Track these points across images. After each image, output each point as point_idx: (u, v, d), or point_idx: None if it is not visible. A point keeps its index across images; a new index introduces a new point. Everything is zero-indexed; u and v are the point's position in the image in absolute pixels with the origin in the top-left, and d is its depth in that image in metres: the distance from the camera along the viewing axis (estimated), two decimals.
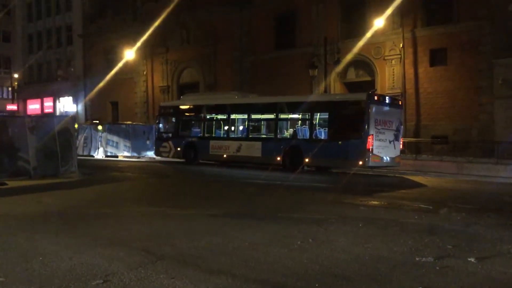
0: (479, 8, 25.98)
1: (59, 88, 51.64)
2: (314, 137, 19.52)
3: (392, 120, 18.75)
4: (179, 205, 10.40)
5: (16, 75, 53.96)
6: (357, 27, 30.59)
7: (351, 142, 18.14)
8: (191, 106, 24.73)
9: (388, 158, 18.55)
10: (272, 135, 21.18)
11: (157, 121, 26.25)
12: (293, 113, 20.90)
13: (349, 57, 30.02)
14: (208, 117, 23.50)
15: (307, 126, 20.06)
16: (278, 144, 20.44)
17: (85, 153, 29.07)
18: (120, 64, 40.70)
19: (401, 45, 28.74)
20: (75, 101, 50.40)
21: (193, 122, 24.60)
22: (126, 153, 29.51)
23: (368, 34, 28.45)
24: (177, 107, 25.46)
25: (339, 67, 30.23)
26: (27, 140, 15.24)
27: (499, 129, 24.91)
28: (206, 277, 5.08)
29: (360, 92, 21.67)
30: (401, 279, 5.17)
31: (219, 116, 23.40)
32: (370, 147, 17.59)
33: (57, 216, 8.72)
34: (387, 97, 19.54)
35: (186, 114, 25.01)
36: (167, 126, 25.54)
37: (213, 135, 23.17)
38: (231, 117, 22.74)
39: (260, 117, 22.36)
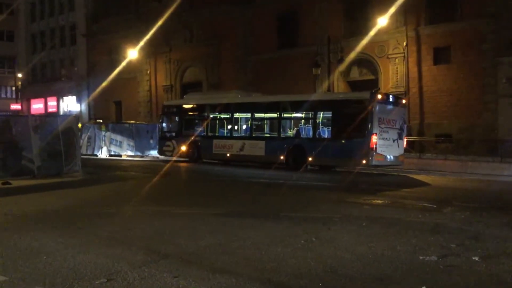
0: (483, 6, 25.92)
1: (63, 87, 51.79)
2: (317, 136, 19.50)
3: (395, 118, 18.70)
4: (183, 204, 10.40)
5: (19, 75, 54.15)
6: (360, 25, 30.55)
7: (354, 141, 18.11)
8: (195, 105, 24.74)
9: (392, 157, 18.52)
10: (275, 134, 21.16)
11: (160, 120, 26.26)
12: (296, 112, 20.87)
13: (352, 55, 29.98)
14: (211, 116, 23.50)
15: (310, 125, 20.04)
16: (281, 143, 20.42)
17: (88, 152, 29.10)
18: (123, 64, 40.75)
19: (404, 44, 28.68)
20: (79, 100, 50.53)
21: (196, 121, 24.60)
22: (129, 152, 29.55)
23: (372, 33, 28.41)
24: (181, 106, 25.46)
25: (343, 66, 30.22)
26: (31, 139, 15.27)
27: (503, 127, 24.85)
28: (209, 276, 5.08)
29: (363, 91, 21.61)
30: (404, 278, 5.15)
31: (222, 115, 23.40)
32: (374, 146, 17.55)
33: (60, 215, 8.74)
34: (390, 96, 19.50)
35: (190, 113, 25.02)
36: (170, 125, 25.55)
37: (217, 134, 23.17)
38: (234, 116, 22.73)
39: (263, 116, 22.35)
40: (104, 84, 42.83)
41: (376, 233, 7.34)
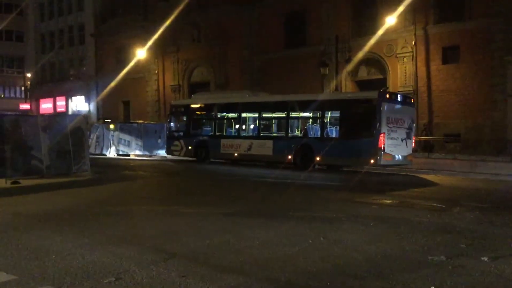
0: (492, 5, 25.74)
1: (72, 87, 52.06)
2: (325, 136, 19.46)
3: (404, 118, 18.61)
4: (190, 203, 10.42)
5: (28, 75, 54.51)
6: (368, 25, 30.44)
7: (362, 140, 18.06)
8: (202, 105, 24.78)
9: (400, 157, 18.43)
10: (283, 134, 21.14)
11: (168, 120, 26.33)
12: (304, 111, 20.84)
13: (360, 55, 29.86)
14: (219, 115, 23.53)
15: (318, 125, 20.01)
16: (289, 142, 20.40)
17: (97, 152, 29.25)
18: (131, 63, 40.87)
19: (413, 43, 28.55)
20: (87, 100, 50.78)
21: (204, 120, 24.64)
22: (137, 152, 29.64)
23: (380, 32, 28.28)
24: (188, 105, 25.51)
25: (350, 66, 30.12)
26: (40, 139, 15.36)
27: (511, 127, 24.65)
28: (217, 275, 5.08)
29: (371, 90, 21.54)
30: (413, 278, 5.13)
31: (230, 115, 23.42)
32: (382, 146, 17.49)
33: (69, 214, 8.78)
34: (399, 95, 19.42)
35: (197, 112, 25.06)
36: (178, 125, 25.60)
37: (224, 133, 23.19)
38: (242, 116, 22.75)
39: (271, 115, 22.35)
40: (113, 84, 42.97)
41: (385, 233, 7.32)
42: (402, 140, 18.36)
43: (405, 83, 29.05)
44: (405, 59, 29.16)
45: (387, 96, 18.37)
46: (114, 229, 7.40)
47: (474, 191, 13.96)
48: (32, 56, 57.20)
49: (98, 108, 49.55)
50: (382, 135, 17.50)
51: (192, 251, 6.09)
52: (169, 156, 26.29)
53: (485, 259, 5.79)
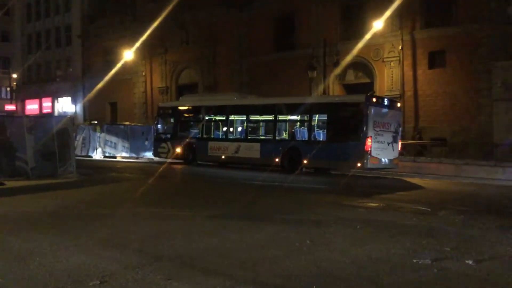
0: (478, 11, 26.02)
1: (58, 88, 51.63)
2: (312, 139, 19.52)
3: (390, 122, 18.75)
4: (177, 206, 10.38)
5: (14, 75, 53.96)
6: (356, 29, 30.61)
7: (349, 143, 18.15)
8: (190, 107, 24.73)
9: (387, 160, 18.56)
10: (270, 137, 21.17)
11: (155, 122, 26.23)
12: (292, 114, 20.89)
13: (348, 59, 30.01)
14: (206, 118, 23.49)
15: (305, 128, 20.06)
16: (276, 145, 20.43)
17: (83, 154, 29.02)
18: (119, 65, 40.65)
19: (400, 47, 28.76)
20: (74, 101, 50.39)
21: (191, 123, 24.58)
22: (124, 154, 29.48)
23: (367, 36, 28.46)
24: (176, 108, 25.44)
25: (338, 69, 30.23)
26: (25, 140, 15.21)
27: (497, 131, 24.93)
28: (203, 278, 5.06)
29: (359, 94, 21.66)
30: (399, 281, 5.16)
31: (218, 117, 23.39)
32: (369, 149, 17.60)
33: (54, 216, 8.70)
34: (385, 99, 19.56)
35: (185, 115, 25.00)
36: (165, 127, 25.51)
37: (212, 136, 23.16)
38: (230, 118, 22.74)
39: (258, 118, 22.36)
40: (100, 85, 42.70)
41: (371, 236, 7.35)
42: (388, 144, 18.49)
43: (392, 87, 29.25)
44: (392, 63, 29.36)
45: (374, 100, 18.48)
46: (100, 232, 7.34)
47: (460, 195, 14.10)
48: (18, 56, 56.65)
49: (84, 110, 49.20)
50: (368, 138, 17.60)
51: (178, 254, 6.06)
52: (156, 158, 26.18)
53: (470, 262, 5.84)
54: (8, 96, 56.93)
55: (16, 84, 54.19)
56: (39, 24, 54.09)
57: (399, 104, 20.51)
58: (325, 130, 19.33)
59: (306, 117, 20.12)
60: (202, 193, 13.07)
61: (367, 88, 26.64)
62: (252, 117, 22.24)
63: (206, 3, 37.25)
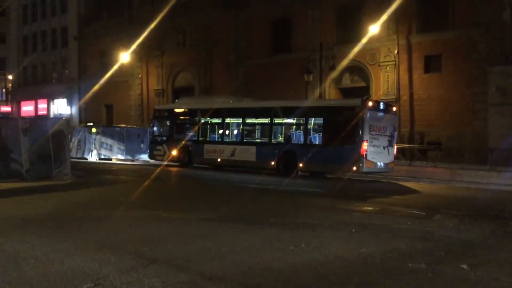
0: (474, 16, 26.16)
1: (54, 90, 51.51)
2: (308, 142, 19.54)
3: (386, 126, 18.80)
4: (173, 208, 10.36)
5: (10, 77, 53.80)
6: (352, 33, 30.72)
7: (345, 147, 18.17)
8: (186, 110, 24.71)
9: (382, 164, 18.59)
10: (266, 140, 21.18)
11: (151, 124, 26.20)
12: (288, 118, 20.90)
13: (344, 63, 30.11)
14: (202, 121, 23.48)
15: (301, 131, 20.08)
16: (272, 148, 20.44)
17: (78, 156, 28.96)
18: (115, 67, 40.65)
19: (396, 52, 28.87)
20: (70, 103, 50.29)
21: (187, 125, 24.56)
22: (120, 156, 29.43)
23: (363, 40, 28.59)
24: (172, 110, 25.43)
25: (334, 73, 30.33)
26: (21, 142, 15.16)
27: (492, 136, 25.03)
28: (198, 281, 5.05)
29: (355, 98, 21.72)
30: (394, 285, 5.16)
31: (214, 120, 23.39)
32: (364, 153, 17.62)
33: (49, 218, 8.66)
34: (381, 103, 19.60)
35: (181, 117, 24.98)
36: (161, 129, 25.50)
37: (208, 139, 23.16)
38: (226, 121, 22.74)
39: (254, 121, 22.37)
40: (96, 87, 42.68)
41: (366, 239, 7.35)
42: (384, 148, 18.53)
43: (388, 91, 29.34)
44: (388, 67, 29.47)
45: (370, 104, 18.52)
46: (94, 234, 7.31)
47: (454, 199, 14.14)
48: (14, 58, 56.51)
49: (80, 112, 49.11)
50: (364, 142, 17.63)
51: (173, 257, 6.05)
52: (152, 161, 26.15)
53: (464, 266, 5.85)
54: (4, 98, 56.73)
55: (11, 86, 54.03)
56: (35, 26, 54.00)
57: (395, 108, 20.56)
58: (321, 133, 19.35)
59: (302, 120, 20.14)
60: (198, 196, 13.05)
61: (363, 92, 26.70)
62: (248, 120, 22.24)
63: (203, 6, 37.31)
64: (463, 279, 5.41)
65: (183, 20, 39.13)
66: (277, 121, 21.19)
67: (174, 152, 23.59)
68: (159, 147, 24.57)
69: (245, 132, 22.13)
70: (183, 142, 23.56)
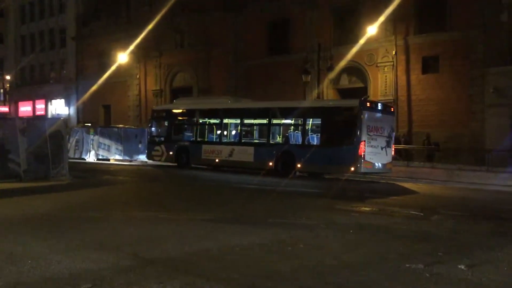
0: (472, 17, 26.21)
1: (51, 90, 51.45)
2: (306, 143, 19.55)
3: (384, 126, 18.81)
4: (171, 209, 10.35)
5: (8, 77, 53.73)
6: (350, 34, 30.77)
7: (343, 148, 18.19)
8: (184, 110, 24.71)
9: (380, 165, 18.61)
10: (264, 140, 21.19)
11: (149, 125, 26.19)
12: (286, 118, 20.92)
13: (342, 63, 30.14)
14: (200, 121, 23.48)
15: (299, 132, 20.09)
16: (270, 149, 20.44)
17: (76, 156, 28.94)
18: (113, 67, 40.63)
19: (393, 52, 28.90)
20: (67, 103, 50.23)
21: (185, 126, 24.56)
22: (117, 157, 29.40)
23: (361, 41, 28.63)
24: (170, 111, 25.42)
25: (332, 74, 30.34)
26: (18, 142, 15.14)
27: (490, 137, 25.09)
28: (196, 282, 5.05)
29: (352, 98, 21.74)
30: (391, 285, 5.16)
31: (212, 121, 23.39)
32: (362, 153, 17.64)
33: (46, 219, 8.65)
34: (379, 104, 19.62)
35: (179, 118, 24.98)
36: (159, 130, 25.49)
37: (206, 139, 23.15)
38: (224, 122, 22.74)
39: (252, 122, 22.38)
40: (94, 87, 42.65)
41: (364, 240, 7.36)
42: (382, 148, 18.54)
43: (386, 92, 29.37)
44: (385, 68, 29.50)
45: (368, 104, 18.55)
46: (92, 235, 7.31)
47: (452, 200, 14.16)
48: (12, 58, 56.42)
49: (78, 112, 49.05)
50: (362, 143, 17.65)
51: (171, 258, 6.04)
52: (150, 161, 26.15)
53: (462, 267, 5.86)
54: (1, 98, 56.64)
55: (9, 86, 53.94)
56: (33, 26, 53.91)
57: (392, 109, 20.59)
58: (319, 134, 19.37)
59: (300, 121, 20.16)
60: (196, 197, 13.05)
61: (361, 93, 26.73)
62: (246, 121, 22.25)
63: (202, 7, 37.28)
64: (460, 279, 5.42)
65: (181, 21, 39.12)
66: (275, 121, 21.20)
67: (172, 153, 23.58)
68: (157, 148, 24.56)
69: (243, 133, 22.14)
70: (181, 143, 23.56)
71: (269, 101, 24.89)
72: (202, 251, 6.40)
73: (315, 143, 19.38)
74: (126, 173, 20.67)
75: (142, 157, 28.28)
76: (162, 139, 24.59)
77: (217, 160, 22.16)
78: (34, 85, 53.42)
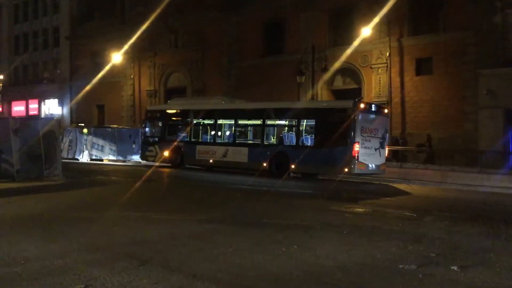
0: (465, 19, 26.33)
1: (45, 90, 51.20)
2: (300, 144, 19.57)
3: (378, 128, 18.87)
4: (164, 210, 10.33)
5: (1, 77, 53.34)
6: (344, 35, 30.86)
7: (337, 149, 18.22)
8: (178, 111, 24.67)
9: (374, 166, 18.67)
10: (258, 141, 21.19)
11: (143, 125, 26.14)
12: (280, 119, 20.94)
13: (336, 65, 30.21)
14: (195, 121, 23.45)
15: (293, 133, 20.11)
16: (264, 150, 20.45)
17: (69, 156, 28.81)
18: (107, 67, 40.50)
19: (387, 54, 28.99)
20: (61, 103, 50.01)
21: (179, 126, 24.51)
22: (111, 157, 29.31)
23: (356, 43, 28.72)
24: (164, 111, 25.38)
25: (327, 75, 30.41)
26: (11, 142, 15.06)
27: (483, 138, 25.20)
28: (189, 283, 5.05)
29: (346, 99, 21.80)
30: (384, 286, 5.18)
31: (206, 121, 23.37)
32: (356, 155, 17.69)
33: (39, 219, 8.61)
34: (373, 105, 19.69)
35: (173, 118, 24.94)
36: (153, 130, 25.45)
37: (200, 140, 23.13)
38: (218, 122, 22.73)
39: (247, 122, 22.37)
40: (87, 87, 42.49)
41: (357, 241, 7.38)
42: (375, 150, 18.60)
43: (379, 94, 29.46)
44: (379, 69, 29.59)
45: (362, 105, 18.59)
46: (86, 235, 7.28)
47: (445, 201, 14.22)
48: (5, 57, 56.08)
49: (71, 112, 48.85)
50: (356, 144, 17.70)
51: (164, 258, 6.03)
52: (144, 162, 26.08)
53: (455, 268, 5.89)
54: None
55: (2, 85, 53.60)
56: (27, 25, 53.64)
57: (386, 110, 20.67)
58: (313, 135, 19.40)
59: (294, 122, 20.18)
60: (190, 197, 13.04)
61: (355, 94, 26.78)
62: (240, 121, 22.25)
63: (196, 7, 37.25)
64: (453, 280, 5.45)
65: (176, 21, 39.05)
66: (269, 122, 21.20)
67: (166, 153, 23.54)
68: (151, 148, 24.51)
69: (237, 133, 22.14)
70: (175, 143, 23.51)
71: (263, 101, 24.89)
72: (196, 251, 6.40)
73: (309, 144, 19.41)
74: (119, 173, 20.61)
75: (136, 158, 28.20)
76: (156, 139, 24.54)
77: (211, 161, 22.15)
78: (27, 84, 53.15)
